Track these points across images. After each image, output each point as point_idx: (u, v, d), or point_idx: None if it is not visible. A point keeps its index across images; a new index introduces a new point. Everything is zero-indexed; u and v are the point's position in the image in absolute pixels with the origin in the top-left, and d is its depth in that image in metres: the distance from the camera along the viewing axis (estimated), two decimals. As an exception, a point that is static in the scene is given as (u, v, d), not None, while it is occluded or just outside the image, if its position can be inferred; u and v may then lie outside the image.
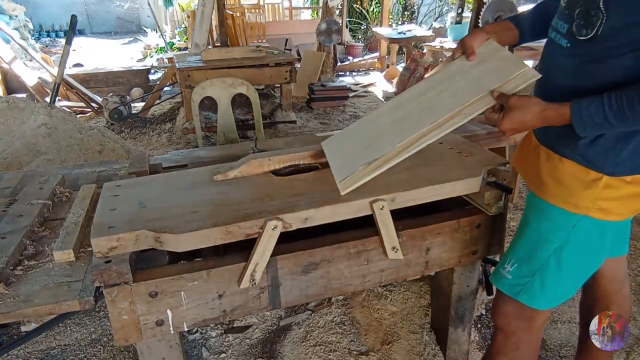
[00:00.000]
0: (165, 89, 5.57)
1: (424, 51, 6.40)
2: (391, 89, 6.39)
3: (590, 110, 0.99)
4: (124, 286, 1.11)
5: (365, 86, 6.58)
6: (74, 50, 9.51)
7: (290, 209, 1.21)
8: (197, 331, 1.95)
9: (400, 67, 6.81)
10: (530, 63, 3.83)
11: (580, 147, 1.08)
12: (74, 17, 4.41)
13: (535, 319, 1.27)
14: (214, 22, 6.16)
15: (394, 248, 1.33)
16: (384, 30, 7.08)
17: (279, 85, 4.68)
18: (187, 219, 1.18)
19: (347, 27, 8.20)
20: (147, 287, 1.14)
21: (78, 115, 5.02)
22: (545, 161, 1.17)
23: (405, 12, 10.08)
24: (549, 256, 1.16)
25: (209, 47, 5.75)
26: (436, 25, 8.45)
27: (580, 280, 1.22)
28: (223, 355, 1.85)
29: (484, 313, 2.08)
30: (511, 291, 1.25)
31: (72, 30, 4.43)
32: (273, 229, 1.17)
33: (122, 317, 1.14)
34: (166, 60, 7.39)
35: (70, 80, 5.31)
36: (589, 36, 1.00)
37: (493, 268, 1.61)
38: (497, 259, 1.58)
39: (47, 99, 4.87)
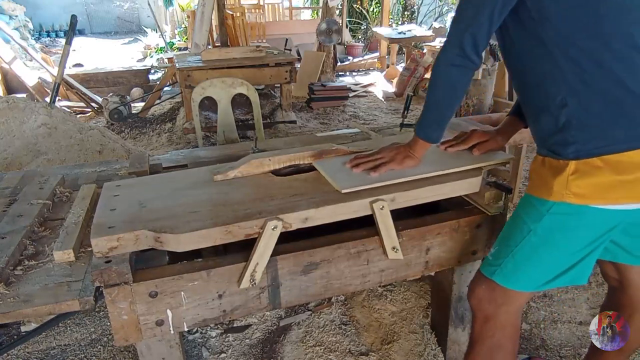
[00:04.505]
0: (165, 89, 5.57)
1: (424, 51, 6.40)
2: (391, 89, 6.39)
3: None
4: (124, 286, 1.11)
5: (365, 86, 6.58)
6: (74, 50, 9.51)
7: (290, 209, 1.21)
8: (197, 331, 1.95)
9: (400, 67, 6.81)
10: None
11: (545, 143, 1.16)
12: (74, 17, 4.40)
13: (508, 303, 1.27)
14: (214, 22, 6.16)
15: (394, 248, 1.33)
16: (384, 30, 7.09)
17: (279, 85, 4.68)
18: (187, 219, 1.18)
19: (347, 27, 8.19)
20: (147, 287, 1.14)
21: (78, 115, 5.02)
22: (533, 163, 1.23)
23: (405, 12, 10.07)
24: (523, 238, 1.19)
25: (209, 47, 5.76)
26: (436, 25, 8.45)
27: (558, 268, 1.20)
28: (223, 355, 1.85)
29: (484, 313, 2.08)
30: (488, 271, 1.27)
31: (72, 30, 4.43)
32: (273, 229, 1.17)
33: (122, 317, 1.14)
34: (166, 60, 7.39)
35: (70, 80, 5.31)
36: None
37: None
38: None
39: (47, 99, 4.87)
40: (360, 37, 9.55)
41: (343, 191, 1.28)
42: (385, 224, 1.29)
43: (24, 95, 5.20)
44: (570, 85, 1.08)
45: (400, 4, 10.08)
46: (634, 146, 1.05)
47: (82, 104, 5.39)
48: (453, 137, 1.55)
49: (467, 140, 1.50)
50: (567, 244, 1.16)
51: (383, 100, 5.96)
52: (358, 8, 9.47)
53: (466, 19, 1.16)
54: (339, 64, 7.41)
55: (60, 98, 5.30)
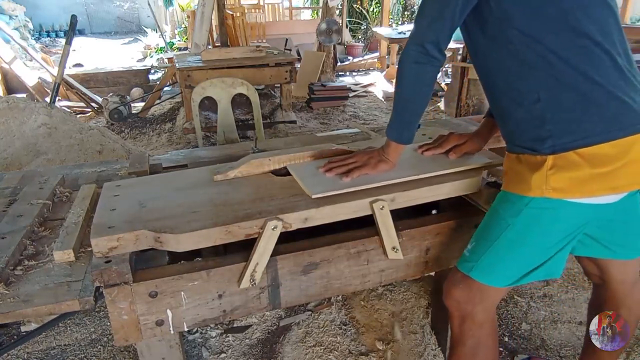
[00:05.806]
0: (165, 89, 5.57)
1: (424, 51, 6.39)
2: (391, 89, 6.39)
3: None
4: (124, 286, 1.11)
5: (365, 86, 6.58)
6: (74, 50, 9.51)
7: (290, 209, 1.21)
8: (197, 331, 1.96)
9: (400, 67, 6.80)
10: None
11: (519, 140, 1.17)
12: (74, 17, 4.41)
13: (485, 300, 1.27)
14: (214, 22, 6.16)
15: (394, 248, 1.33)
16: (384, 30, 7.08)
17: (279, 85, 4.68)
18: (187, 219, 1.18)
19: (347, 27, 8.19)
20: (147, 287, 1.14)
21: (78, 115, 5.02)
22: (507, 161, 1.24)
23: (405, 12, 10.07)
24: (501, 233, 1.19)
25: (209, 47, 5.76)
26: (436, 25, 8.44)
27: (534, 262, 1.20)
28: (223, 355, 1.85)
29: (484, 313, 2.08)
30: (465, 267, 1.26)
31: (72, 30, 4.44)
32: (273, 229, 1.17)
33: (122, 317, 1.14)
34: (166, 60, 7.39)
35: (70, 80, 5.31)
36: None
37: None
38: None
39: (47, 99, 4.87)
40: (360, 37, 9.55)
41: (313, 196, 1.26)
42: (385, 224, 1.29)
43: (24, 95, 5.20)
44: (541, 80, 1.09)
45: (400, 4, 10.09)
46: (605, 138, 1.05)
47: (82, 104, 5.39)
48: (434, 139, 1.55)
49: (444, 144, 1.49)
50: (543, 237, 1.17)
51: (383, 100, 5.96)
52: (358, 8, 9.47)
53: (428, 16, 1.18)
54: (339, 64, 7.42)
55: (60, 98, 5.30)
